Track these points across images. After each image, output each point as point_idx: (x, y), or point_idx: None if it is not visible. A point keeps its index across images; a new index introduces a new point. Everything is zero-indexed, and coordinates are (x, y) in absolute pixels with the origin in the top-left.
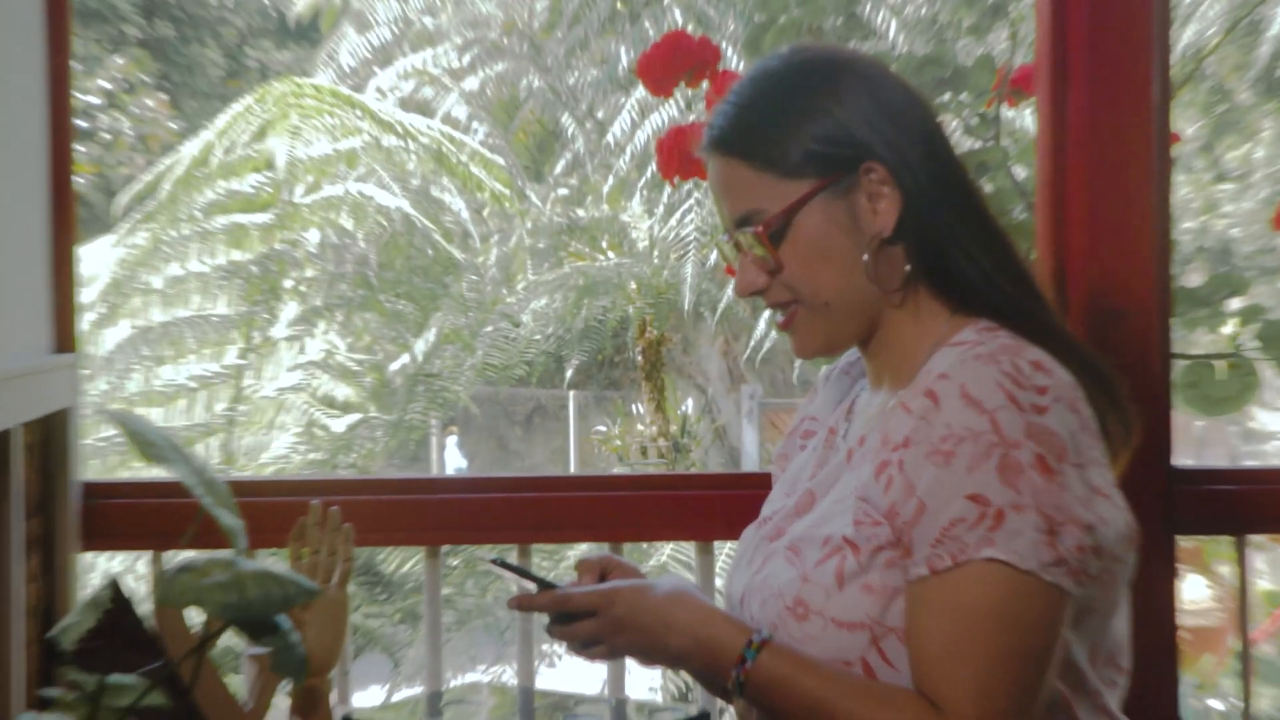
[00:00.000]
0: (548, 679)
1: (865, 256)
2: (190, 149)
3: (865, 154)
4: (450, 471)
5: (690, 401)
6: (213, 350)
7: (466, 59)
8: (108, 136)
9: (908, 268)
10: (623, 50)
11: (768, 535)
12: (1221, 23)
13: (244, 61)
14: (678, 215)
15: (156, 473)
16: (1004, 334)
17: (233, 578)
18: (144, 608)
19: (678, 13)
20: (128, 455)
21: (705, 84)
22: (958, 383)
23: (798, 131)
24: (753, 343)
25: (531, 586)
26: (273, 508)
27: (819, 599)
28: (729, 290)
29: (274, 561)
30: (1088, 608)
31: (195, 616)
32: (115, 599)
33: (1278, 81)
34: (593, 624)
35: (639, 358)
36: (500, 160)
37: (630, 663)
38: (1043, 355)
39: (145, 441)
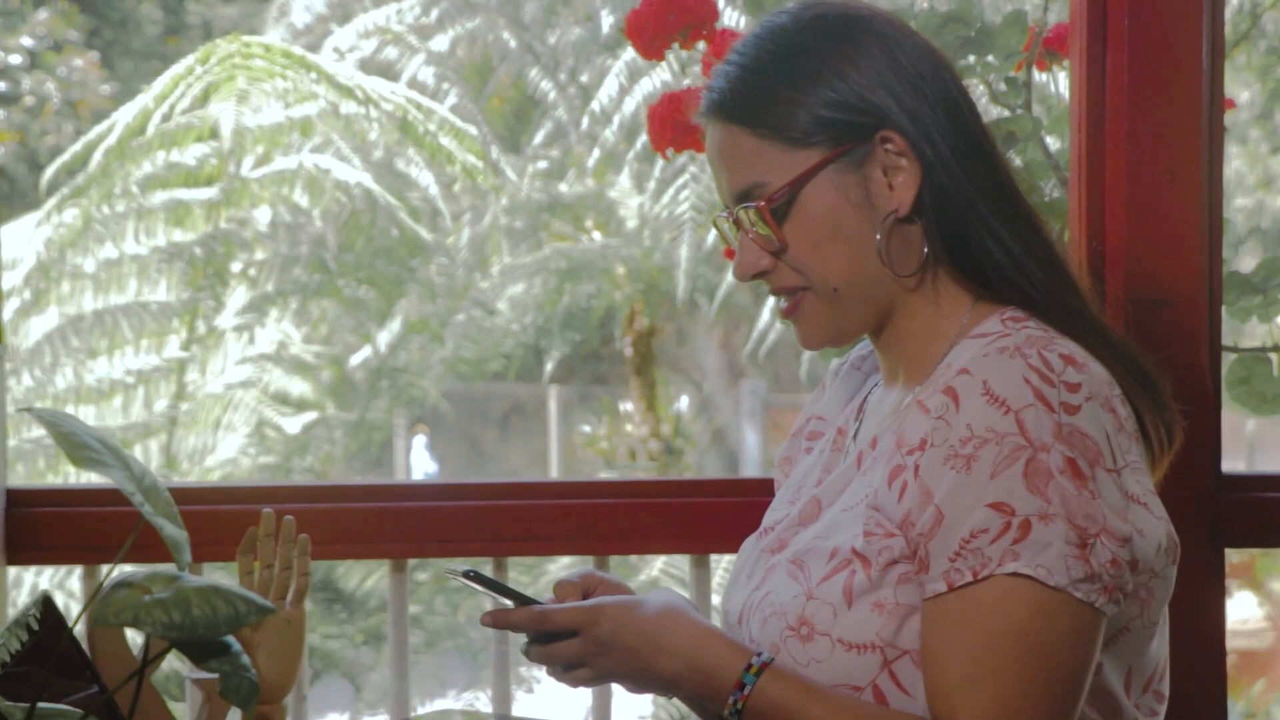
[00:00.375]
0: (525, 706)
1: (879, 236)
2: (125, 115)
3: (882, 122)
4: (418, 476)
5: (685, 399)
6: (152, 341)
7: (434, 15)
8: (31, 101)
9: (926, 249)
10: (608, 7)
11: (769, 547)
12: None
13: (184, 17)
14: (671, 191)
15: (90, 478)
16: (1032, 324)
17: (176, 594)
18: (77, 628)
19: None
20: (58, 459)
21: (702, 45)
22: (980, 379)
23: (807, 96)
24: (755, 334)
25: (508, 603)
26: (220, 517)
27: (825, 618)
28: (728, 275)
29: (222, 577)
30: (1122, 628)
31: (134, 637)
32: (45, 618)
33: None
34: (575, 645)
35: (628, 350)
36: (473, 129)
37: (617, 688)
38: (1075, 348)
39: (77, 444)
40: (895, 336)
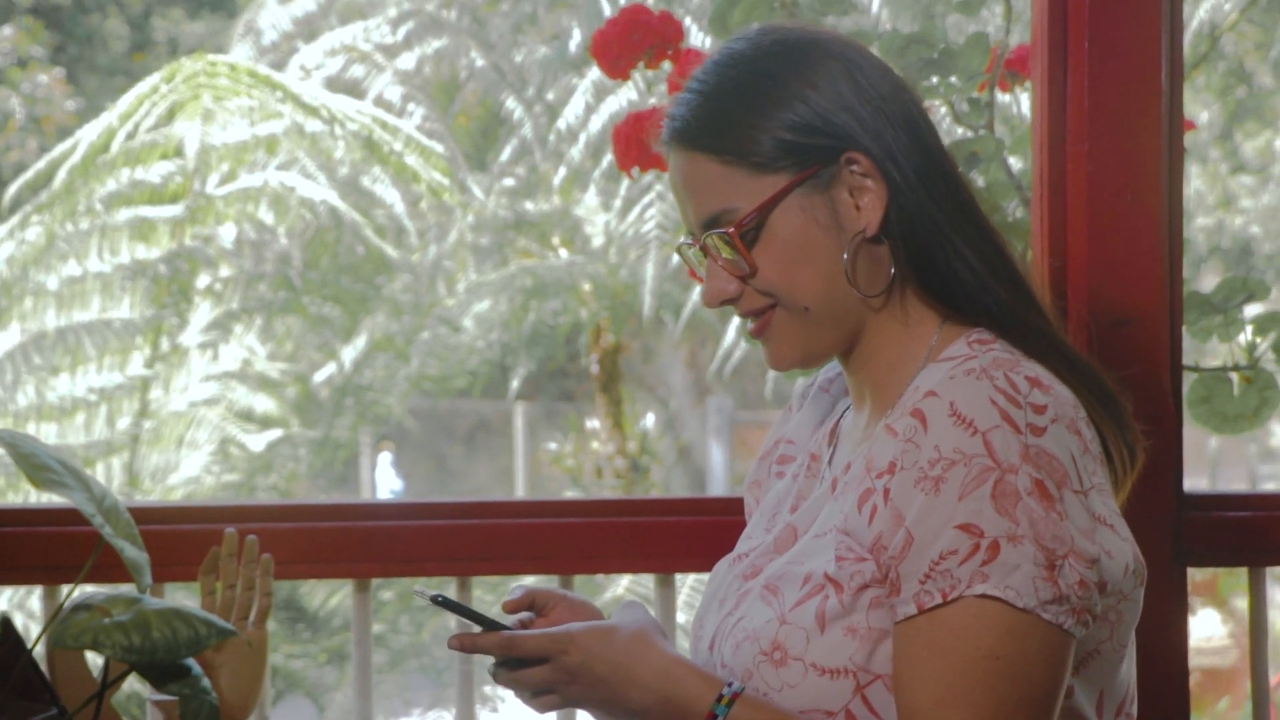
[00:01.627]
0: None
1: (846, 256)
2: (89, 133)
3: (846, 143)
4: (383, 495)
5: (651, 416)
6: (115, 359)
7: (401, 33)
8: None
9: (893, 269)
10: (575, 26)
11: (743, 573)
12: None
13: (150, 34)
14: (637, 209)
15: (51, 497)
16: (998, 346)
17: (136, 616)
18: (37, 649)
19: None
20: (18, 477)
21: (667, 65)
22: (947, 400)
23: (770, 121)
24: (721, 351)
25: (476, 626)
26: (182, 537)
27: (798, 643)
28: (694, 293)
29: (184, 597)
30: (1093, 650)
31: (95, 659)
32: (4, 639)
33: None
34: (543, 672)
35: (594, 367)
36: (439, 147)
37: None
38: (1040, 371)
39: (37, 464)
40: (864, 358)
